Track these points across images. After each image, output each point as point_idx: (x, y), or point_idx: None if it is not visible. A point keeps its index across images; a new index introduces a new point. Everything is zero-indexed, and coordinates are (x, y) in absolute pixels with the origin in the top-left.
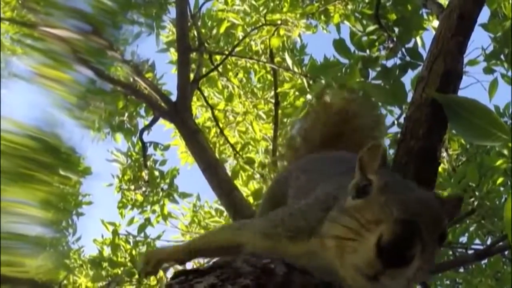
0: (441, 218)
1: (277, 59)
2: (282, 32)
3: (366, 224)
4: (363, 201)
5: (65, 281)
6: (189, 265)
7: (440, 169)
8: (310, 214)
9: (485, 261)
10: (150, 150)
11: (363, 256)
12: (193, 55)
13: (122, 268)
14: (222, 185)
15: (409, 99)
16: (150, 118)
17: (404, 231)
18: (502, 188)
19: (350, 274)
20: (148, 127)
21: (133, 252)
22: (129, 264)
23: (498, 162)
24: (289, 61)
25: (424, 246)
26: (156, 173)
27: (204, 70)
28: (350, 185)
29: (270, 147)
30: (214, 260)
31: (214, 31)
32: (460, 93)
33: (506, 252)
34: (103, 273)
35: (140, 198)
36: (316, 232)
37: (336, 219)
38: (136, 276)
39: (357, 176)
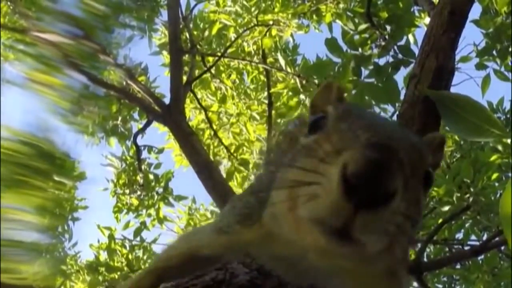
0: (424, 151)
1: (269, 59)
2: (274, 32)
3: (325, 158)
4: (320, 134)
5: (62, 287)
6: None
7: None
8: (257, 189)
9: (482, 257)
10: (145, 154)
11: (324, 200)
12: (186, 57)
13: (119, 273)
14: (217, 187)
15: (402, 96)
16: (144, 121)
17: (379, 155)
18: (497, 184)
19: (308, 233)
20: (142, 130)
21: (130, 256)
22: (125, 268)
23: (493, 158)
24: (281, 61)
25: (406, 182)
26: (151, 176)
27: (196, 72)
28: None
29: (265, 148)
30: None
31: (206, 33)
32: (453, 89)
33: (502, 248)
34: (100, 278)
35: (135, 202)
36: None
37: (285, 164)
38: None
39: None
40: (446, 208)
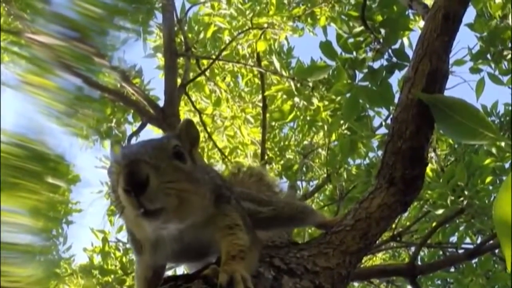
0: (164, 143)
1: (264, 62)
2: (268, 35)
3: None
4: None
5: None
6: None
7: (428, 169)
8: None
9: (476, 260)
10: None
11: (127, 204)
12: (180, 60)
13: (112, 276)
14: None
15: (396, 100)
16: (138, 124)
17: (127, 168)
18: (491, 187)
19: (143, 224)
20: (136, 133)
21: (124, 259)
22: (119, 271)
23: (487, 161)
24: (276, 64)
25: (156, 167)
26: None
27: (191, 74)
28: None
29: (259, 151)
30: (204, 265)
31: (201, 36)
32: (447, 93)
33: (496, 251)
34: (94, 281)
35: None
36: None
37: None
38: (127, 284)
39: None
40: (440, 211)
